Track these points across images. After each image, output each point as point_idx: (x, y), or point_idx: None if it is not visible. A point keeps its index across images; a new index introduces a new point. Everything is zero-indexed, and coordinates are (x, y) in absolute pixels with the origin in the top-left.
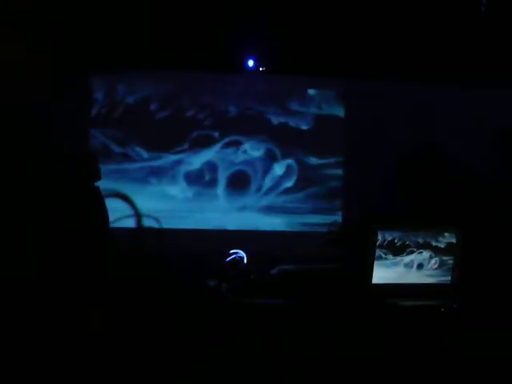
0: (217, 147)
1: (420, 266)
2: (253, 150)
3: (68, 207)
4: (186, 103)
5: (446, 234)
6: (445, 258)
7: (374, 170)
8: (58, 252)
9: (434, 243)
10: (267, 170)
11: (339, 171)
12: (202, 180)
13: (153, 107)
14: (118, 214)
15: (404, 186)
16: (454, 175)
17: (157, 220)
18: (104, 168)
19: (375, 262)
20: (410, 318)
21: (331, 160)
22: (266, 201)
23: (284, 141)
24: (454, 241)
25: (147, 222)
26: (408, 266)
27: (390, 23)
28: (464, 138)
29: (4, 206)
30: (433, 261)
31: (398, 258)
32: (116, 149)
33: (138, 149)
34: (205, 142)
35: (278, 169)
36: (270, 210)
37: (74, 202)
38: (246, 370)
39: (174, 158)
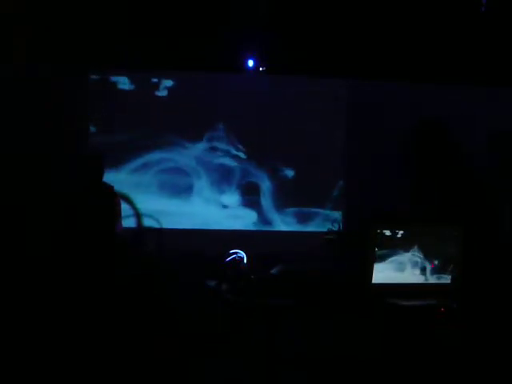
0: None
1: (420, 266)
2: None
3: (67, 207)
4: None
5: (445, 233)
6: (445, 257)
7: (374, 169)
8: (58, 252)
9: (433, 243)
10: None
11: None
12: None
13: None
14: None
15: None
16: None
17: (157, 220)
18: None
19: (375, 262)
20: (409, 318)
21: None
22: None
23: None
24: (454, 240)
25: (147, 222)
26: (408, 265)
27: (390, 23)
28: (464, 138)
29: (5, 205)
30: (433, 260)
31: (398, 258)
32: None
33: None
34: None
35: None
36: None
37: (73, 202)
38: (245, 370)
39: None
